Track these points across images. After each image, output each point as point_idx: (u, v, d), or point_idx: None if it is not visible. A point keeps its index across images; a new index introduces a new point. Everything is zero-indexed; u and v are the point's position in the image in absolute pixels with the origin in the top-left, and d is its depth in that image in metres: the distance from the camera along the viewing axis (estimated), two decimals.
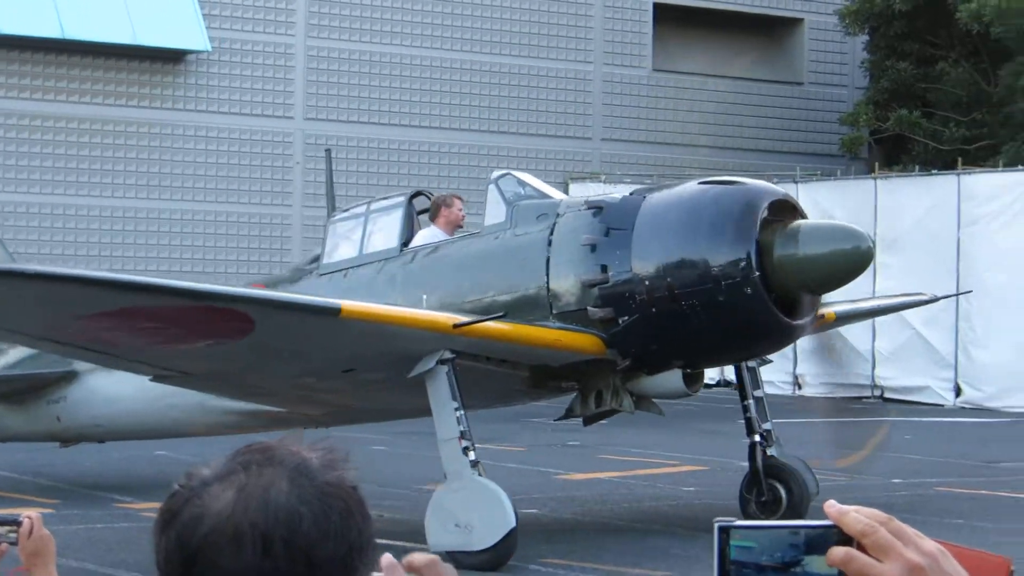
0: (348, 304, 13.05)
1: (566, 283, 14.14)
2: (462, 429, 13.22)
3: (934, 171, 34.65)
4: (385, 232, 15.37)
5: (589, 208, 14.37)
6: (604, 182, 35.81)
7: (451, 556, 11.93)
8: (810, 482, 15.21)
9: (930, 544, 2.06)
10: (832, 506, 2.09)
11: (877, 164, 37.00)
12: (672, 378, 14.61)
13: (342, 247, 15.70)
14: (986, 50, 39.55)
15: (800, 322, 13.92)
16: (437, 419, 13.40)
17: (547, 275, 14.23)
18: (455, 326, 13.29)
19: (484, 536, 12.85)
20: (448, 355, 13.26)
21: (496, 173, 15.53)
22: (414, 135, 38.34)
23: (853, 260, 14.01)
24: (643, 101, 41.11)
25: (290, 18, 36.58)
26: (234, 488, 2.23)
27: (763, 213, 13.65)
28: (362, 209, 15.85)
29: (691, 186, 14.70)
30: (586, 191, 34.24)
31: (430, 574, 2.14)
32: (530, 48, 39.62)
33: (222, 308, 12.87)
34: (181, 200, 35.67)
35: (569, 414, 15.38)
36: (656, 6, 41.18)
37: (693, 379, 14.78)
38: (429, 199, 15.77)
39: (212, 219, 35.83)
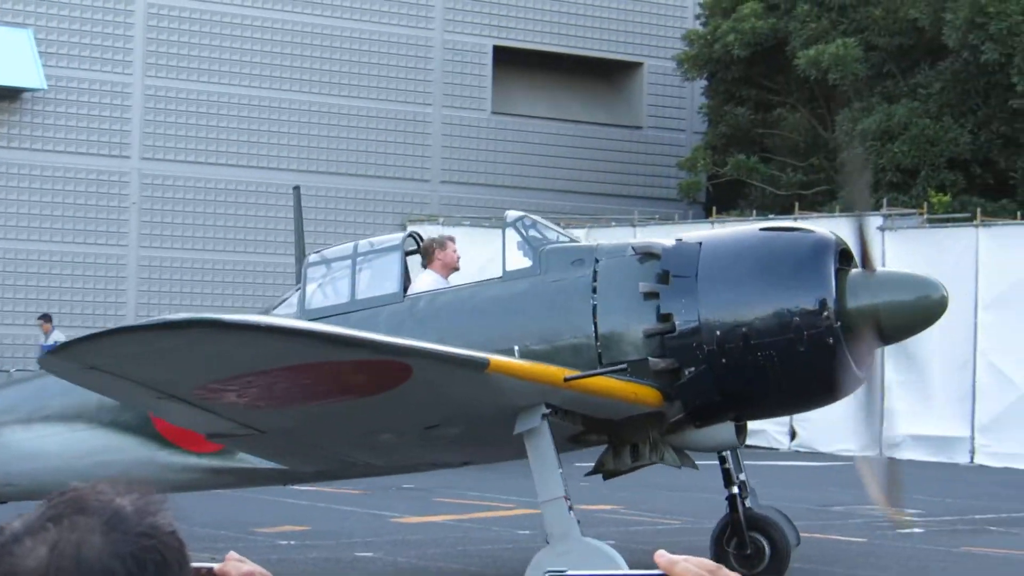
0: (495, 358, 12.50)
1: (620, 331, 13.62)
2: (566, 488, 12.78)
3: (771, 216, 33.81)
4: (381, 276, 14.58)
5: (637, 254, 13.90)
6: (442, 224, 35.97)
7: None
8: (790, 533, 15.10)
9: None
10: (662, 556, 2.15)
11: (715, 209, 37.50)
12: (724, 430, 14.24)
13: (326, 291, 14.79)
14: (823, 96, 40.11)
15: (864, 374, 13.74)
16: (539, 478, 12.93)
17: (595, 323, 13.64)
18: (566, 379, 12.81)
19: None
20: (546, 410, 12.82)
21: (512, 215, 14.76)
22: (251, 175, 38.21)
23: (931, 309, 14.00)
24: (482, 144, 41.32)
25: (127, 57, 36.70)
26: (47, 545, 2.19)
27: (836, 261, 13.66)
28: (348, 251, 14.95)
29: (753, 232, 14.66)
30: (426, 233, 35.11)
31: None
32: (369, 89, 39.88)
33: (388, 360, 12.17)
34: (16, 240, 35.51)
35: (600, 468, 14.81)
36: (496, 49, 41.48)
37: (741, 430, 14.59)
38: (417, 241, 15.29)
39: (47, 259, 35.71)
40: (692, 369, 13.18)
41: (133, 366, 11.83)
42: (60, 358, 12.10)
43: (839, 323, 13.14)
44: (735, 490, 14.94)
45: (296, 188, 18.45)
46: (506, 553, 17.27)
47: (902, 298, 13.61)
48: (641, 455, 14.09)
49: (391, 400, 12.43)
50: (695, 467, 14.70)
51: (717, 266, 13.49)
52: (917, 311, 13.70)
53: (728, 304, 13.37)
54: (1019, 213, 32.21)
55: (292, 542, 18.07)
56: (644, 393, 13.14)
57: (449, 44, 41.14)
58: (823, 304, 13.15)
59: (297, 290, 15.05)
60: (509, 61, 41.85)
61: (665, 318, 13.31)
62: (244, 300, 38.25)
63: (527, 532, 18.42)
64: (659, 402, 13.26)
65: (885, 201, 33.37)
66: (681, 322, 13.22)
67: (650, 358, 13.18)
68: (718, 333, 13.21)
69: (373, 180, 40.04)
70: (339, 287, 14.63)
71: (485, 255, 34.49)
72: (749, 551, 14.68)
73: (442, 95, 41.13)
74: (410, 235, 15.35)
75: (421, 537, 18.38)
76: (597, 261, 13.84)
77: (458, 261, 15.36)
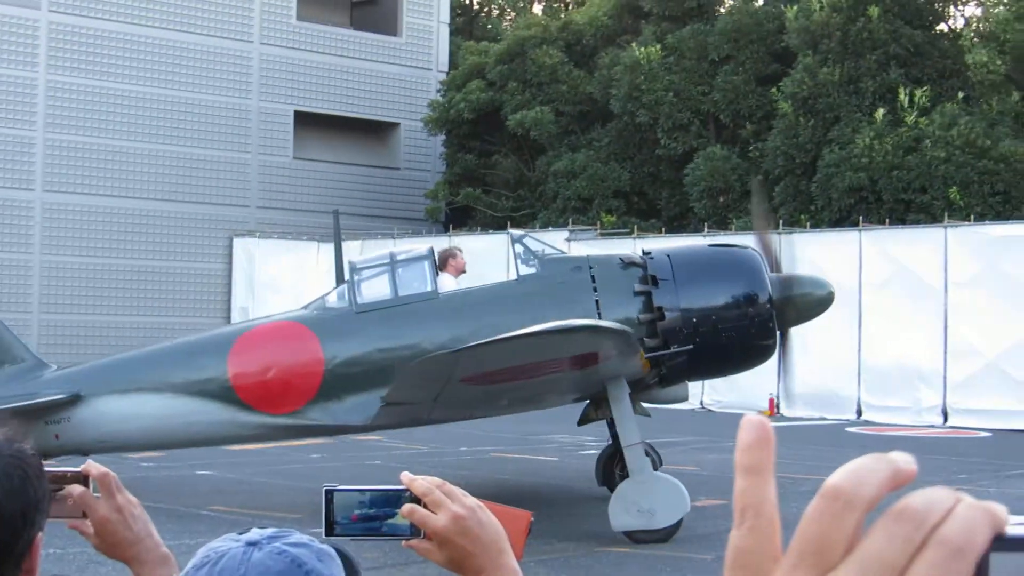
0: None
1: (619, 319, 14.25)
2: (641, 434, 13.75)
3: (491, 231, 38.06)
4: (415, 278, 15.25)
5: (623, 263, 15.24)
6: (259, 237, 41.69)
7: (631, 535, 13.47)
8: (656, 459, 15.74)
9: (471, 500, 2.40)
10: (405, 475, 2.40)
11: (451, 226, 41.61)
12: (680, 388, 16.11)
13: (372, 290, 15.31)
14: (527, 146, 44.63)
15: (780, 343, 15.09)
16: (622, 427, 13.79)
17: (599, 314, 14.61)
18: (646, 357, 13.92)
19: (666, 517, 13.41)
20: None
21: (516, 233, 16.13)
22: (124, 204, 41.23)
23: (827, 301, 15.76)
24: (287, 180, 44.81)
25: None
26: None
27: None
28: (385, 257, 15.55)
29: (707, 247, 16.46)
30: (248, 243, 41.11)
31: None
32: (205, 141, 43.10)
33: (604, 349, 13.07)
34: None
35: (586, 420, 16.33)
36: (296, 113, 45.36)
37: (684, 387, 16.12)
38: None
39: None
40: (676, 346, 14.39)
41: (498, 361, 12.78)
42: (456, 356, 12.71)
43: (773, 311, 14.78)
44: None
45: (335, 212, 18.50)
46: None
47: (811, 292, 15.54)
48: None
49: (585, 373, 13.55)
50: (648, 416, 15.96)
51: (688, 271, 14.82)
52: (820, 302, 15.63)
53: (700, 299, 14.71)
54: (663, 228, 36.65)
55: (151, 464, 18.76)
56: (645, 364, 14.01)
57: (263, 109, 44.57)
58: (768, 298, 14.76)
59: (332, 291, 16.14)
60: (306, 121, 45.50)
61: (658, 310, 14.59)
62: (128, 300, 41.62)
63: (318, 456, 19.83)
64: (647, 370, 14.20)
65: (570, 220, 38.06)
66: (668, 312, 14.53)
67: (644, 338, 14.32)
68: (694, 320, 14.53)
69: (207, 206, 43.03)
70: (382, 286, 15.29)
71: (293, 262, 39.58)
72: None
73: (258, 145, 44.32)
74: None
75: (252, 459, 19.33)
76: (591, 267, 15.13)
77: (465, 266, 16.80)
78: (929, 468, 16.32)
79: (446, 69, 48.01)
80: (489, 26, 57.70)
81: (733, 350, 14.91)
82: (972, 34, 39.12)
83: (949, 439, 25.67)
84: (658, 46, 41.04)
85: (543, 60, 43.51)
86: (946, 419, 28.35)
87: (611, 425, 15.49)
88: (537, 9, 56.80)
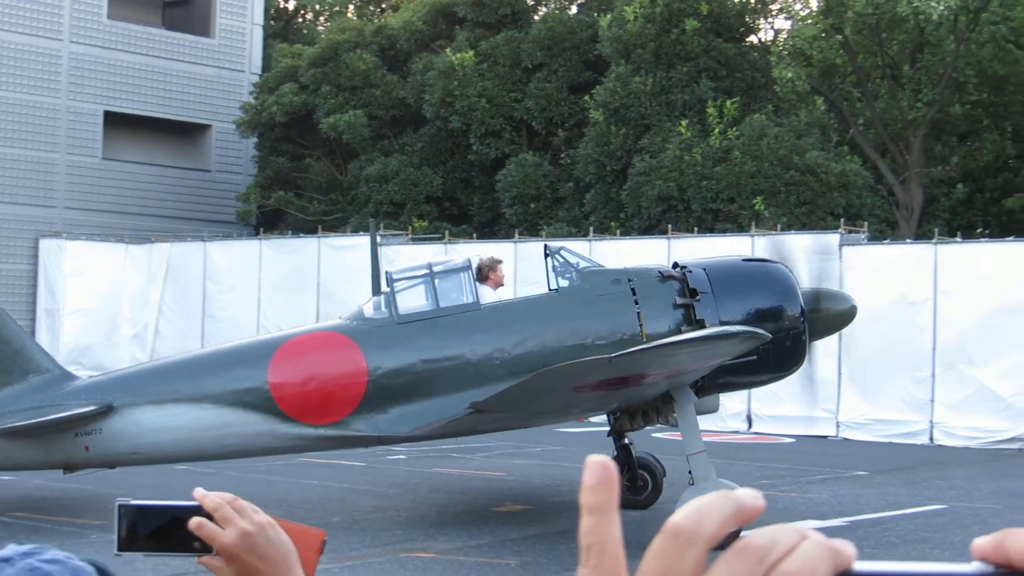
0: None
1: (661, 330, 14.93)
2: (703, 444, 14.31)
3: (301, 234, 38.64)
4: (456, 289, 15.55)
5: (660, 276, 15.62)
6: (66, 238, 40.80)
7: None
8: (660, 471, 16.77)
9: (262, 517, 2.37)
10: (198, 491, 2.37)
11: (262, 229, 42.02)
12: (713, 399, 16.31)
13: (412, 300, 15.54)
14: (340, 150, 44.64)
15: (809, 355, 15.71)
16: (688, 435, 14.33)
17: (640, 324, 15.09)
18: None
19: None
20: None
21: (553, 245, 16.41)
22: None
23: (851, 314, 16.54)
24: (95, 181, 44.44)
25: None
26: None
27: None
28: (424, 269, 15.80)
29: (739, 261, 16.64)
30: (54, 244, 40.45)
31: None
32: (5, 139, 42.78)
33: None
34: None
35: (618, 429, 16.70)
36: (106, 112, 45.08)
37: (716, 398, 16.50)
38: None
39: None
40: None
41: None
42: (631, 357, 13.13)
43: (806, 323, 15.35)
44: (627, 441, 16.84)
45: (373, 221, 17.02)
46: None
47: (837, 306, 16.27)
48: (650, 419, 16.02)
49: (673, 380, 14.07)
50: (676, 425, 15.86)
51: (726, 285, 15.25)
52: (846, 315, 16.40)
53: (739, 311, 15.05)
54: (474, 234, 37.55)
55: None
56: None
57: (71, 108, 44.19)
58: (800, 311, 15.34)
59: (368, 301, 16.37)
60: (116, 122, 45.25)
61: (699, 322, 14.94)
62: None
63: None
64: None
65: (382, 225, 36.62)
66: (710, 324, 14.80)
67: None
68: None
69: (12, 206, 42.66)
70: (422, 297, 15.55)
71: (100, 263, 39.28)
72: (640, 483, 16.57)
73: (66, 145, 44.01)
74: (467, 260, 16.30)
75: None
76: (631, 280, 15.45)
77: (503, 279, 16.89)
78: (734, 474, 16.61)
79: (259, 71, 48.11)
80: (305, 31, 57.80)
81: (768, 361, 15.13)
82: (781, 48, 40.26)
83: (753, 445, 26.14)
84: (472, 52, 41.48)
85: (357, 64, 43.65)
86: (750, 425, 28.68)
87: (620, 437, 16.39)
88: (351, 13, 56.89)
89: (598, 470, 1.14)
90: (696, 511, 1.08)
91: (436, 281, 15.45)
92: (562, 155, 40.72)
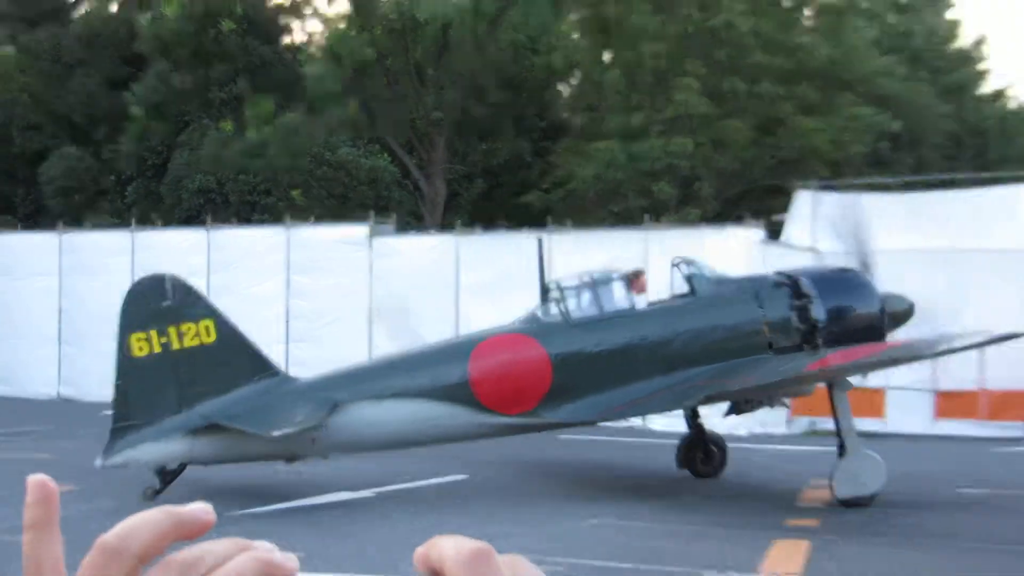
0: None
1: (783, 327, 17.19)
2: (855, 425, 16.30)
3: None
4: (614, 296, 17.45)
5: (777, 285, 17.52)
6: None
7: (846, 502, 15.79)
8: (725, 446, 19.02)
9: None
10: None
11: None
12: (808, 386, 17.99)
13: (581, 306, 17.33)
14: None
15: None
16: (842, 419, 16.16)
17: (765, 325, 17.20)
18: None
19: (873, 486, 15.85)
20: None
21: (680, 257, 18.21)
22: None
23: (912, 313, 18.13)
24: None
25: None
26: None
27: None
28: (586, 278, 17.57)
29: (830, 269, 18.30)
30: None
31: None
32: None
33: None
34: None
35: (737, 411, 18.37)
36: None
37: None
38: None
39: None
40: (824, 349, 16.78)
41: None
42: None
43: (885, 320, 17.55)
44: (699, 420, 19.09)
45: (539, 239, 18.69)
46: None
47: (903, 306, 17.99)
48: (764, 403, 18.16)
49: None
50: (788, 407, 19.69)
51: (829, 289, 17.40)
52: (908, 313, 18.03)
53: (842, 312, 17.35)
54: (19, 224, 35.66)
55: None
56: None
57: None
58: (881, 310, 17.53)
59: (537, 308, 17.63)
60: None
61: (813, 320, 17.21)
62: None
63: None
64: None
65: None
66: (822, 324, 17.18)
67: (805, 346, 17.12)
68: (834, 329, 17.17)
69: None
70: (589, 304, 17.40)
71: None
72: (712, 456, 18.89)
73: None
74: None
75: None
76: (754, 287, 17.62)
77: (646, 286, 18.64)
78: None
79: None
80: None
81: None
82: (312, 48, 41.59)
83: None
84: (12, 47, 41.07)
85: None
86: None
87: (695, 416, 18.58)
88: None
89: (38, 488, 1.11)
90: (126, 527, 1.06)
91: (598, 289, 17.31)
92: (104, 149, 40.69)
